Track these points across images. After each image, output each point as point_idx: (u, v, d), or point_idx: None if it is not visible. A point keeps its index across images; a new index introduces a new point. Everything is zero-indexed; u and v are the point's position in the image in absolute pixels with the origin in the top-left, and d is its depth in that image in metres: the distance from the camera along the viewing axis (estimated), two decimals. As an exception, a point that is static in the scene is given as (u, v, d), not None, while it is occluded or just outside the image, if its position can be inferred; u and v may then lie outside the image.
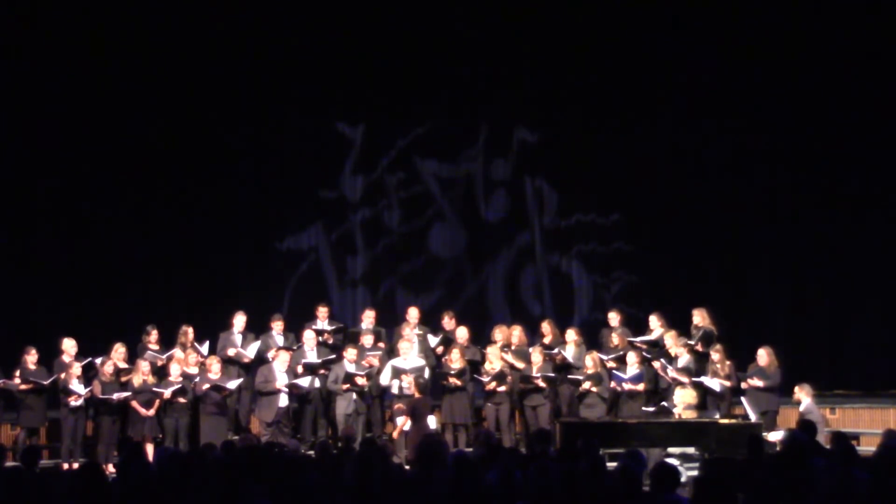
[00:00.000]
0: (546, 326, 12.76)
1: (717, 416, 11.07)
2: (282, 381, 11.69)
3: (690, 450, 10.71)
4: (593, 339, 12.91)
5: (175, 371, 11.66)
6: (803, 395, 11.01)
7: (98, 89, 14.20)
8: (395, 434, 11.42)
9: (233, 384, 11.68)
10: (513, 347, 12.32)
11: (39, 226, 14.35)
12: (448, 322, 12.74)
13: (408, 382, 11.56)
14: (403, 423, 11.18)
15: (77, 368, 11.56)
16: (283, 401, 11.73)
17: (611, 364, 11.92)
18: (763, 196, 14.52)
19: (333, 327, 12.70)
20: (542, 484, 5.70)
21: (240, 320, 12.48)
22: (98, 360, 11.78)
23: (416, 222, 15.20)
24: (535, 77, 14.83)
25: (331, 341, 12.54)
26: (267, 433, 11.49)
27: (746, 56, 14.33)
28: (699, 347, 11.86)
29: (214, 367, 11.61)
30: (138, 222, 14.36)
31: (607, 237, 15.00)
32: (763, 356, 11.56)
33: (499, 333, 12.47)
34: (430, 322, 12.99)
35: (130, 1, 14.28)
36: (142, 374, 11.58)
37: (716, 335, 11.95)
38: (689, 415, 11.10)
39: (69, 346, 11.84)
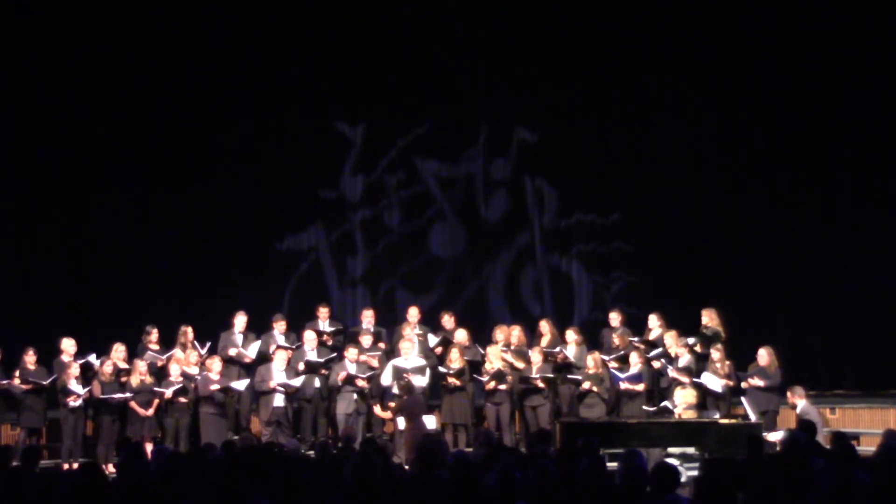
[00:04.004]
0: (544, 326, 12.76)
1: (717, 416, 11.08)
2: (277, 379, 11.70)
3: (690, 450, 10.72)
4: (593, 339, 12.92)
5: (175, 371, 11.67)
6: (797, 398, 11.04)
7: (97, 91, 14.20)
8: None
9: (240, 385, 11.68)
10: (512, 347, 12.33)
11: (39, 226, 14.33)
12: (448, 322, 12.74)
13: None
14: (390, 416, 11.26)
15: (75, 369, 11.58)
16: (279, 401, 11.74)
17: (612, 364, 11.93)
18: (763, 196, 14.50)
19: (333, 329, 12.71)
20: (542, 484, 5.70)
21: (240, 320, 12.49)
22: (97, 361, 11.79)
23: (416, 222, 15.20)
24: (535, 77, 14.81)
25: (330, 343, 12.55)
26: (266, 433, 11.50)
27: (747, 56, 14.32)
28: (698, 348, 11.88)
29: (216, 367, 11.61)
30: (138, 222, 14.37)
31: (607, 237, 15.00)
32: (763, 356, 11.58)
33: (499, 333, 12.48)
34: (429, 322, 12.99)
35: (134, 1, 14.27)
36: (139, 374, 11.59)
37: (723, 336, 11.96)
38: (689, 415, 11.11)
39: (68, 345, 11.86)
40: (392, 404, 11.52)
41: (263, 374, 11.80)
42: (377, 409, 11.94)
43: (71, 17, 14.06)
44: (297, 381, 11.82)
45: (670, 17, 14.39)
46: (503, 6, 14.70)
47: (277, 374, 11.76)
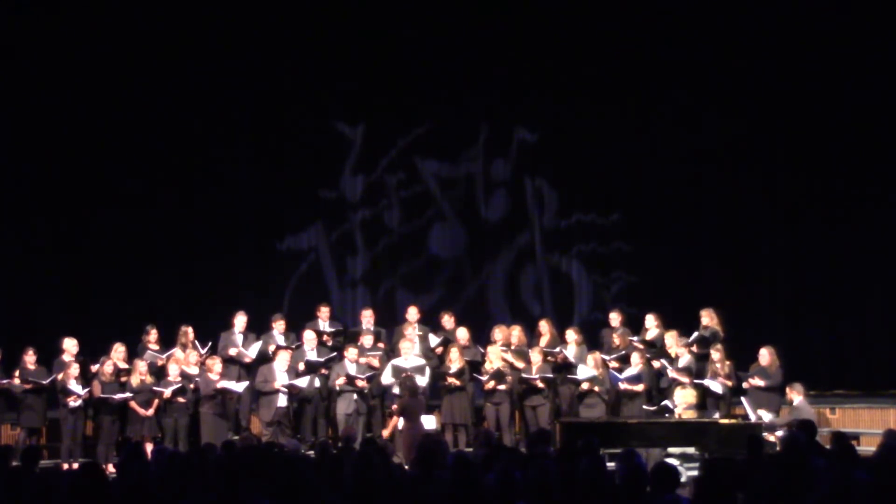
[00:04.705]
0: (544, 326, 12.76)
1: (717, 416, 11.08)
2: (281, 380, 11.69)
3: (690, 450, 10.72)
4: (593, 339, 12.92)
5: (173, 371, 11.67)
6: (795, 395, 11.08)
7: (98, 91, 14.21)
8: (385, 433, 11.43)
9: (239, 387, 11.69)
10: (512, 347, 12.34)
11: (39, 226, 14.34)
12: (448, 322, 12.74)
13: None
14: (394, 422, 11.19)
15: (75, 369, 11.56)
16: (282, 401, 11.75)
17: (613, 364, 11.94)
18: (763, 196, 14.52)
19: (333, 329, 12.71)
20: (541, 484, 5.70)
21: (240, 320, 12.48)
22: (95, 367, 11.79)
23: (416, 222, 15.19)
24: (535, 77, 14.82)
25: (330, 343, 12.54)
26: (267, 433, 11.50)
27: (747, 56, 14.32)
28: (695, 348, 11.89)
29: (216, 367, 11.60)
30: (138, 222, 14.37)
31: (607, 237, 14.99)
32: (765, 356, 11.59)
33: (499, 333, 12.47)
34: (429, 322, 12.99)
35: (134, 1, 14.28)
36: (139, 374, 11.59)
37: (721, 336, 11.97)
38: (689, 415, 11.12)
39: (70, 345, 11.84)
40: (395, 406, 11.48)
41: (266, 374, 11.78)
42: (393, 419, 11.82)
43: (71, 17, 14.06)
44: (303, 382, 11.80)
45: (670, 18, 14.39)
46: (503, 6, 14.69)
47: (281, 374, 11.75)
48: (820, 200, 14.37)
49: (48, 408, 11.86)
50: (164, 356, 12.11)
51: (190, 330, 12.23)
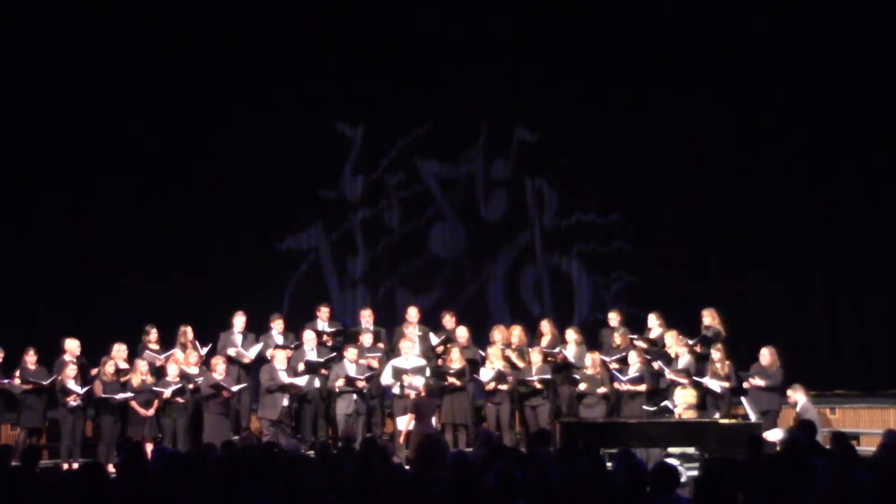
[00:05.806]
0: (545, 326, 12.76)
1: (717, 416, 11.09)
2: (284, 378, 11.69)
3: (690, 450, 10.72)
4: (593, 339, 12.92)
5: (172, 371, 11.66)
6: (798, 395, 11.07)
7: (97, 91, 14.21)
8: (401, 439, 11.36)
9: (235, 387, 11.67)
10: (513, 347, 12.34)
11: (40, 226, 14.35)
12: (448, 322, 12.74)
13: (408, 381, 11.55)
14: (408, 422, 11.17)
15: (72, 369, 11.54)
16: (287, 399, 11.74)
17: (612, 364, 11.93)
18: (763, 195, 14.51)
19: (333, 329, 12.70)
20: (542, 484, 5.71)
21: (239, 320, 12.49)
22: (94, 371, 11.78)
23: (416, 222, 15.19)
24: (535, 77, 14.81)
25: (330, 343, 12.54)
26: (269, 433, 11.48)
27: (747, 56, 14.32)
28: (698, 349, 11.89)
29: (220, 367, 11.59)
30: (138, 222, 14.38)
31: (607, 237, 14.99)
32: (766, 355, 11.59)
33: (498, 334, 12.47)
34: (430, 322, 12.99)
35: (134, 1, 14.28)
36: (140, 374, 11.59)
37: (723, 336, 11.97)
38: (689, 415, 11.12)
39: (73, 346, 11.84)
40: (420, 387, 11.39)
41: (270, 372, 11.77)
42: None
43: (71, 16, 14.07)
44: (302, 381, 11.79)
45: (670, 17, 14.38)
46: (503, 6, 14.69)
47: (282, 373, 11.75)
48: (820, 200, 14.36)
49: (48, 408, 11.86)
50: (163, 356, 12.10)
51: (189, 330, 12.23)
